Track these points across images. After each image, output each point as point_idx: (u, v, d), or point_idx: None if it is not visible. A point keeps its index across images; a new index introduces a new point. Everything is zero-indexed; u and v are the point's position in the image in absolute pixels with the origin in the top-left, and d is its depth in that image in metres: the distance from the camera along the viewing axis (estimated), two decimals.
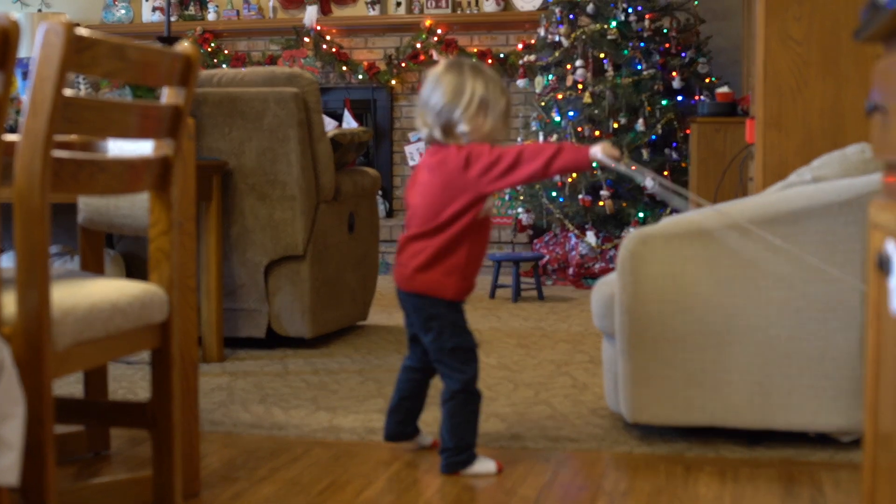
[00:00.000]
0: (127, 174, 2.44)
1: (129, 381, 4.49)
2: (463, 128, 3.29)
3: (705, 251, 3.47)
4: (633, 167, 3.36)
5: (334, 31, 9.41)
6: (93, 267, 3.42)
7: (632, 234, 3.54)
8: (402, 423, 3.55)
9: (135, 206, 3.16)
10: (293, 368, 4.82)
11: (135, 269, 5.28)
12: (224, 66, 9.47)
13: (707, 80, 7.95)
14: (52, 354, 2.16)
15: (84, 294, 2.36)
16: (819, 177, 3.54)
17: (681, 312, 3.50)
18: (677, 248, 3.48)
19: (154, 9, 9.80)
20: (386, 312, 6.44)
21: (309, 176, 5.13)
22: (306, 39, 9.37)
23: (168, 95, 2.60)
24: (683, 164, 7.79)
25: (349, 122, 9.06)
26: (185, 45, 2.61)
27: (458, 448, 3.34)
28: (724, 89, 7.00)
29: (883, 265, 1.80)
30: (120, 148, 2.91)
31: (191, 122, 2.97)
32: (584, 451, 3.54)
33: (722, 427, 3.58)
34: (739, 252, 3.42)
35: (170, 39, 4.89)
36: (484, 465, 3.35)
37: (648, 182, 3.41)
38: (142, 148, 2.69)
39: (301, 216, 5.12)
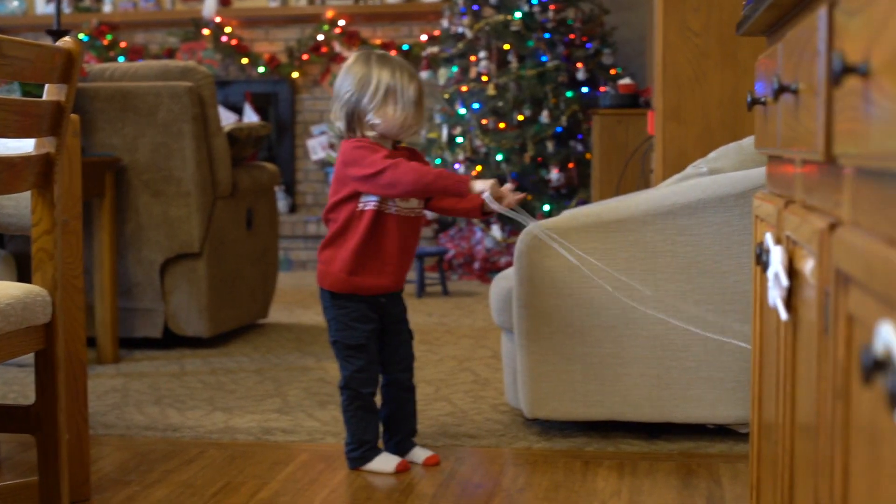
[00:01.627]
0: (6, 173, 2.36)
1: (21, 385, 4.38)
2: (373, 119, 3.25)
3: (603, 244, 3.45)
4: (514, 209, 3.29)
5: (234, 22, 9.29)
6: None
7: (529, 228, 3.51)
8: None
9: (20, 205, 3.06)
10: (190, 368, 4.74)
11: (28, 269, 5.16)
12: (121, 59, 9.32)
13: (612, 72, 7.96)
14: None
15: None
16: (715, 169, 3.53)
17: (578, 306, 3.48)
18: (575, 241, 3.46)
19: (48, 0, 9.61)
20: (287, 310, 6.38)
21: (204, 172, 5.05)
22: (205, 31, 9.24)
23: (49, 92, 2.52)
24: (588, 156, 7.79)
25: (250, 116, 8.96)
26: (66, 40, 2.53)
27: (352, 443, 3.32)
28: (626, 81, 7.01)
29: (759, 258, 1.78)
30: (3, 145, 2.83)
31: (75, 119, 2.89)
32: (483, 448, 3.51)
33: (621, 421, 3.57)
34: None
35: (60, 33, 4.76)
36: (382, 463, 3.30)
37: (531, 224, 3.40)
38: (24, 146, 2.61)
39: (197, 213, 5.03)
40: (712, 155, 3.62)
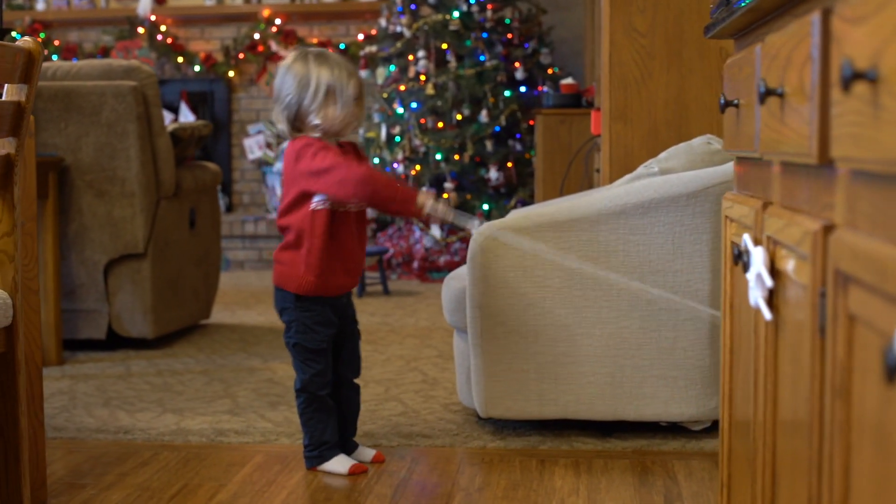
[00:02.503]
0: None
1: None
2: (314, 119, 3.23)
3: (556, 245, 3.47)
4: (454, 214, 3.31)
5: (170, 21, 9.22)
6: None
7: (482, 228, 3.52)
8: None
9: None
10: (136, 370, 4.70)
11: None
12: (55, 57, 9.22)
13: (550, 71, 8.00)
14: None
15: None
16: (666, 169, 3.56)
17: (532, 306, 3.49)
18: (528, 241, 3.47)
19: None
20: (229, 310, 6.35)
21: (149, 172, 5.01)
22: (140, 30, 9.17)
23: (8, 92, 2.49)
24: (527, 156, 7.82)
25: (186, 116, 8.90)
26: (26, 40, 2.50)
27: (311, 444, 3.31)
28: (568, 80, 7.04)
29: (738, 260, 1.80)
30: None
31: (30, 119, 2.87)
32: (438, 448, 3.51)
33: (575, 419, 3.59)
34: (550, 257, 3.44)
35: (2, 32, 4.70)
36: (337, 464, 3.29)
37: (474, 226, 3.42)
38: None
39: (141, 213, 4.99)
40: (663, 155, 3.65)
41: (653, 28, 4.41)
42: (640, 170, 3.61)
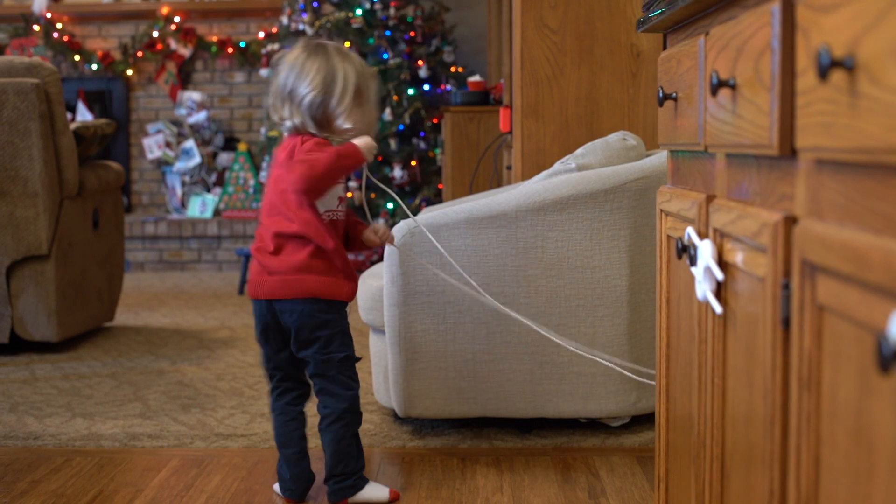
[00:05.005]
0: None
1: None
2: (344, 123, 2.94)
3: (475, 241, 3.44)
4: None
5: (66, 18, 9.05)
6: None
7: (399, 225, 3.49)
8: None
9: None
10: (41, 374, 4.59)
11: None
12: None
13: (453, 70, 7.98)
14: None
15: None
16: (583, 165, 3.56)
17: (450, 303, 3.47)
18: (446, 238, 3.45)
19: None
20: (132, 312, 6.24)
21: (52, 171, 4.90)
22: (36, 27, 8.99)
23: None
24: (431, 154, 7.80)
25: (84, 115, 8.74)
26: None
27: (348, 472, 3.00)
28: (476, 78, 7.03)
29: (682, 253, 1.79)
30: None
31: None
32: None
33: (495, 417, 3.57)
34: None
35: None
36: (375, 490, 3.01)
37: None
38: None
39: (44, 213, 4.88)
40: (580, 151, 3.65)
41: (564, 24, 4.41)
42: (557, 166, 3.60)
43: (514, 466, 3.26)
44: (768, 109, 1.36)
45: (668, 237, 2.08)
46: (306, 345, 2.96)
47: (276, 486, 3.09)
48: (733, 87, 1.52)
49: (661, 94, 1.99)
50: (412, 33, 7.89)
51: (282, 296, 2.93)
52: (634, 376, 3.42)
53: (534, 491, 3.04)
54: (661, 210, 2.13)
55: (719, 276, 1.61)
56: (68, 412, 3.93)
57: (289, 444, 3.04)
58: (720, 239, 1.64)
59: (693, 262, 1.71)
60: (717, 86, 1.53)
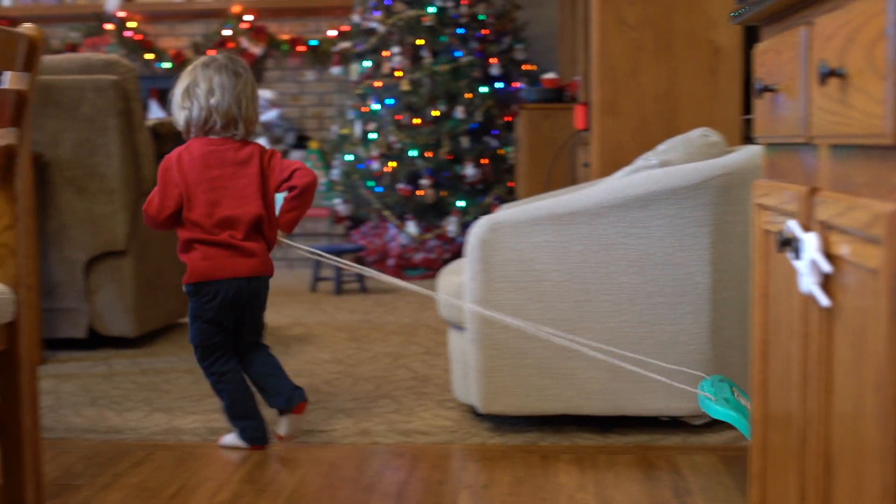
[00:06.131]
0: None
1: None
2: (257, 126, 3.61)
3: (556, 237, 3.42)
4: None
5: (138, 17, 9.13)
6: None
7: (481, 222, 3.48)
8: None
9: None
10: (119, 369, 4.63)
11: None
12: None
13: (525, 67, 7.96)
14: None
15: None
16: (665, 161, 3.53)
17: (532, 300, 3.45)
18: (527, 234, 3.43)
19: None
20: None
21: (129, 167, 4.94)
22: (108, 26, 9.07)
23: (10, 80, 2.43)
24: (502, 152, 7.78)
25: (156, 113, 8.81)
26: (28, 26, 2.44)
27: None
28: (550, 75, 7.00)
29: (785, 246, 1.76)
30: None
31: None
32: (437, 445, 3.46)
33: (575, 415, 3.55)
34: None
35: None
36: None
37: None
38: None
39: (122, 210, 4.92)
40: (661, 147, 3.62)
41: (642, 20, 4.38)
42: (639, 162, 3.58)
43: (596, 464, 3.24)
44: (882, 98, 1.33)
45: (765, 231, 2.05)
46: (259, 313, 3.56)
47: (235, 439, 3.48)
48: (843, 76, 1.49)
49: (759, 86, 1.97)
50: (484, 31, 7.88)
51: (261, 273, 3.46)
52: (661, 377, 3.38)
53: (618, 489, 3.01)
54: (758, 204, 2.10)
55: (827, 268, 1.58)
56: (148, 406, 3.95)
57: (250, 398, 3.52)
58: (825, 231, 1.61)
59: (797, 255, 1.68)
60: (827, 75, 1.51)
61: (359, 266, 3.73)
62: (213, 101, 3.44)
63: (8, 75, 2.44)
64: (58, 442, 3.54)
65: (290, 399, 3.44)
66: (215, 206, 3.40)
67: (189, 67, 3.53)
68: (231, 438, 3.49)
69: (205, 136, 3.48)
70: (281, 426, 3.46)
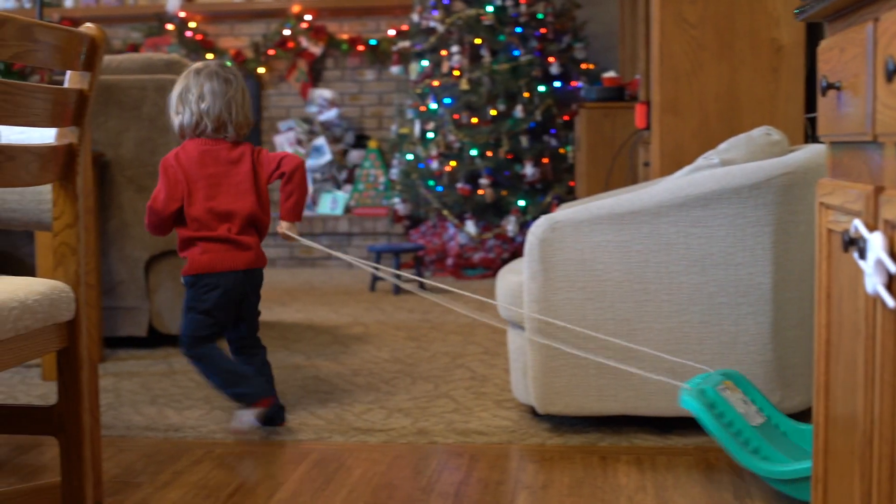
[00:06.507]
0: (35, 164, 2.28)
1: (7, 386, 4.28)
2: (248, 128, 3.77)
3: (616, 237, 3.40)
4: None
5: (199, 17, 9.19)
6: None
7: (540, 221, 3.46)
8: None
9: (24, 199, 2.97)
10: (179, 367, 4.65)
11: (8, 268, 5.05)
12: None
13: (584, 66, 7.93)
14: None
15: None
16: (726, 160, 3.49)
17: (591, 300, 3.43)
18: (587, 234, 3.41)
19: None
20: (265, 307, 6.25)
21: None
22: (169, 27, 9.13)
23: (71, 80, 2.44)
24: (562, 151, 7.76)
25: None
26: (89, 26, 2.45)
27: None
28: (610, 74, 6.97)
29: (850, 246, 1.73)
30: (6, 137, 2.74)
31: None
32: (495, 445, 3.45)
33: (634, 415, 3.52)
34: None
35: None
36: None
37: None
38: (39, 136, 2.52)
39: None
40: (723, 146, 3.59)
41: (703, 19, 4.35)
42: (700, 161, 3.55)
43: (655, 465, 3.21)
44: None
45: (829, 231, 2.02)
46: (256, 304, 3.76)
47: (244, 415, 3.56)
48: None
49: (823, 84, 1.94)
50: (543, 30, 7.85)
51: (256, 265, 3.69)
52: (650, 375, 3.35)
53: (678, 490, 2.99)
54: (822, 203, 2.07)
55: (892, 268, 1.55)
56: (207, 405, 3.96)
57: (235, 363, 3.69)
58: (891, 230, 1.59)
59: (862, 255, 1.66)
60: (893, 72, 1.48)
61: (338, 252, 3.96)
62: (203, 106, 3.65)
63: (69, 74, 2.45)
64: (118, 440, 3.56)
65: (257, 395, 3.59)
66: (212, 201, 3.60)
67: (183, 74, 3.76)
68: (240, 419, 3.57)
69: (198, 137, 3.69)
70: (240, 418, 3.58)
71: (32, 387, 4.26)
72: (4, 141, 2.62)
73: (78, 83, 2.45)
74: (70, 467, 2.50)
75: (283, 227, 3.71)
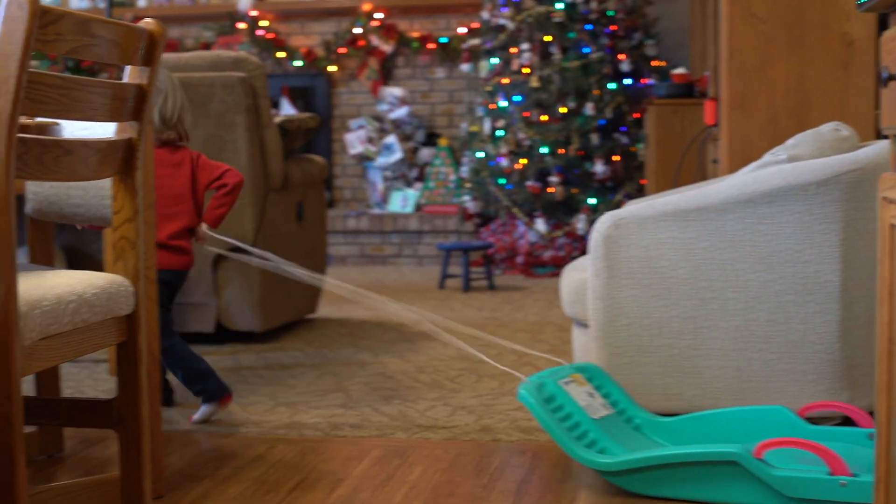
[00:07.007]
0: (93, 158, 2.28)
1: (76, 380, 4.32)
2: (185, 132, 3.98)
3: (682, 233, 3.36)
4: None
5: (270, 16, 9.23)
6: (42, 260, 3.25)
7: (605, 217, 3.43)
8: None
9: (87, 195, 2.99)
10: (245, 363, 4.67)
11: (78, 263, 5.10)
12: None
13: (655, 63, 7.87)
14: (20, 350, 2.00)
15: (49, 286, 2.20)
16: (794, 156, 3.44)
17: (656, 297, 3.39)
18: (652, 230, 3.38)
19: None
20: (334, 305, 6.30)
21: (257, 164, 4.98)
22: (241, 25, 9.19)
23: (131, 75, 2.44)
24: (633, 149, 7.70)
25: (287, 111, 8.89)
26: (148, 21, 2.46)
27: None
28: (680, 70, 6.91)
29: None
30: (70, 132, 2.75)
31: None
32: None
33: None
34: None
35: None
36: None
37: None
38: (103, 131, 2.53)
39: (250, 206, 4.96)
40: (790, 142, 3.54)
41: (773, 14, 4.29)
42: (767, 157, 3.50)
43: None
44: None
45: (892, 226, 1.98)
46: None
47: (205, 408, 3.73)
48: None
49: (884, 75, 1.89)
50: (614, 27, 7.80)
51: (188, 267, 3.96)
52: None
53: None
54: (884, 198, 2.03)
55: None
56: (271, 401, 3.97)
57: (198, 359, 3.81)
58: None
59: None
60: None
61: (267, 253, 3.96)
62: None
63: (128, 70, 2.45)
64: (181, 435, 3.57)
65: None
66: (159, 202, 3.71)
67: None
68: (201, 412, 3.72)
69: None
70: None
71: (100, 381, 4.30)
72: (67, 136, 2.64)
73: (137, 78, 2.45)
74: (129, 460, 2.50)
75: (204, 227, 3.89)
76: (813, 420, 3.25)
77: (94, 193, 2.95)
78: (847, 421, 3.26)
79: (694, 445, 3.03)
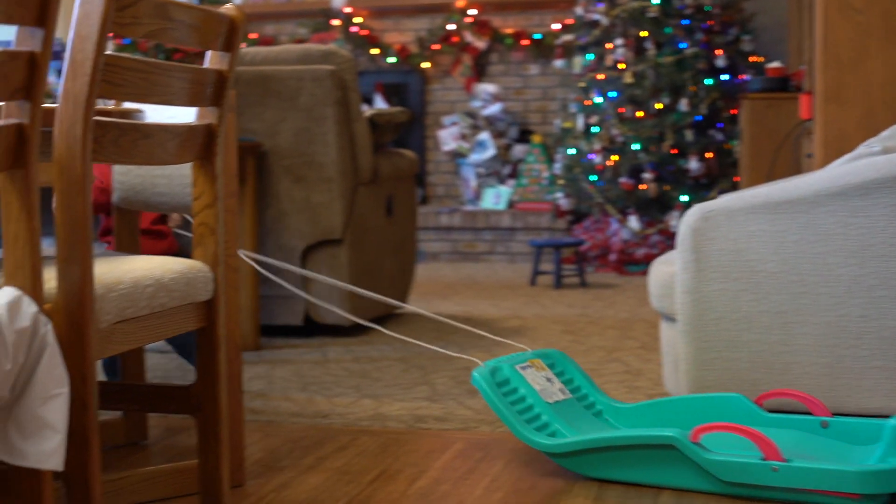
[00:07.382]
0: (171, 143, 2.28)
1: (164, 370, 4.35)
2: None
3: (772, 226, 3.29)
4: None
5: (364, 13, 9.27)
6: (129, 248, 3.27)
7: (693, 210, 3.38)
8: None
9: (172, 183, 3.00)
10: (333, 356, 4.67)
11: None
12: None
13: (752, 59, 7.77)
14: (96, 332, 2.01)
15: (126, 270, 2.20)
16: (889, 148, 3.36)
17: (745, 291, 3.33)
18: (742, 223, 3.31)
19: None
20: (424, 300, 6.30)
21: (346, 157, 4.98)
22: (335, 22, 9.22)
23: (211, 60, 2.44)
24: (727, 146, 7.60)
25: (380, 106, 8.92)
26: (229, 7, 2.45)
27: None
28: (774, 64, 6.81)
29: None
30: (153, 118, 2.77)
31: (231, 93, 2.82)
32: None
33: (790, 411, 3.41)
34: None
35: None
36: None
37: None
38: (179, 115, 2.54)
39: (339, 199, 4.96)
40: (885, 133, 3.45)
41: (869, 4, 4.20)
42: (861, 149, 3.41)
43: None
44: None
45: None
46: None
47: None
48: None
49: None
50: (710, 22, 7.71)
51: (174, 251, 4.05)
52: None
53: None
54: None
55: None
56: (357, 393, 3.97)
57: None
58: None
59: None
60: None
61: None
62: None
63: (208, 55, 2.45)
64: (265, 425, 3.58)
65: None
66: None
67: None
68: None
69: None
70: None
71: (187, 372, 4.32)
72: (150, 121, 2.65)
73: (217, 64, 2.45)
74: (207, 447, 2.51)
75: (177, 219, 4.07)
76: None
77: (179, 181, 2.96)
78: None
79: (635, 429, 3.02)
